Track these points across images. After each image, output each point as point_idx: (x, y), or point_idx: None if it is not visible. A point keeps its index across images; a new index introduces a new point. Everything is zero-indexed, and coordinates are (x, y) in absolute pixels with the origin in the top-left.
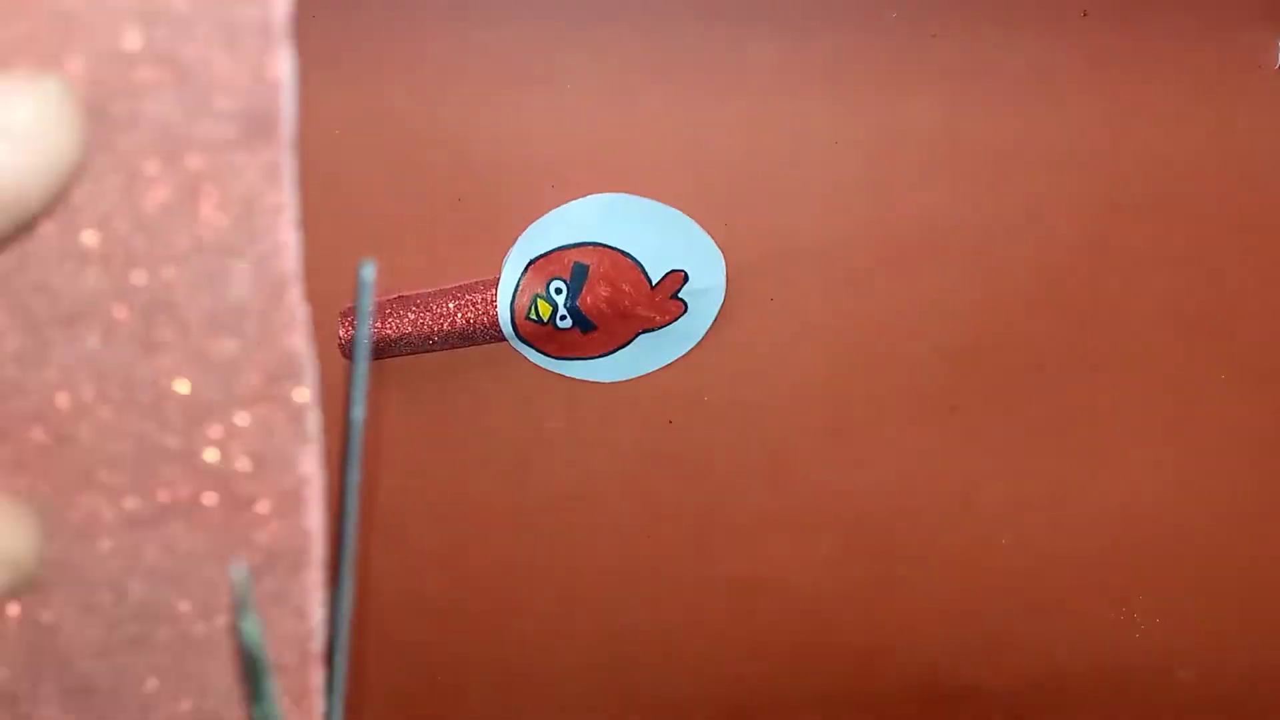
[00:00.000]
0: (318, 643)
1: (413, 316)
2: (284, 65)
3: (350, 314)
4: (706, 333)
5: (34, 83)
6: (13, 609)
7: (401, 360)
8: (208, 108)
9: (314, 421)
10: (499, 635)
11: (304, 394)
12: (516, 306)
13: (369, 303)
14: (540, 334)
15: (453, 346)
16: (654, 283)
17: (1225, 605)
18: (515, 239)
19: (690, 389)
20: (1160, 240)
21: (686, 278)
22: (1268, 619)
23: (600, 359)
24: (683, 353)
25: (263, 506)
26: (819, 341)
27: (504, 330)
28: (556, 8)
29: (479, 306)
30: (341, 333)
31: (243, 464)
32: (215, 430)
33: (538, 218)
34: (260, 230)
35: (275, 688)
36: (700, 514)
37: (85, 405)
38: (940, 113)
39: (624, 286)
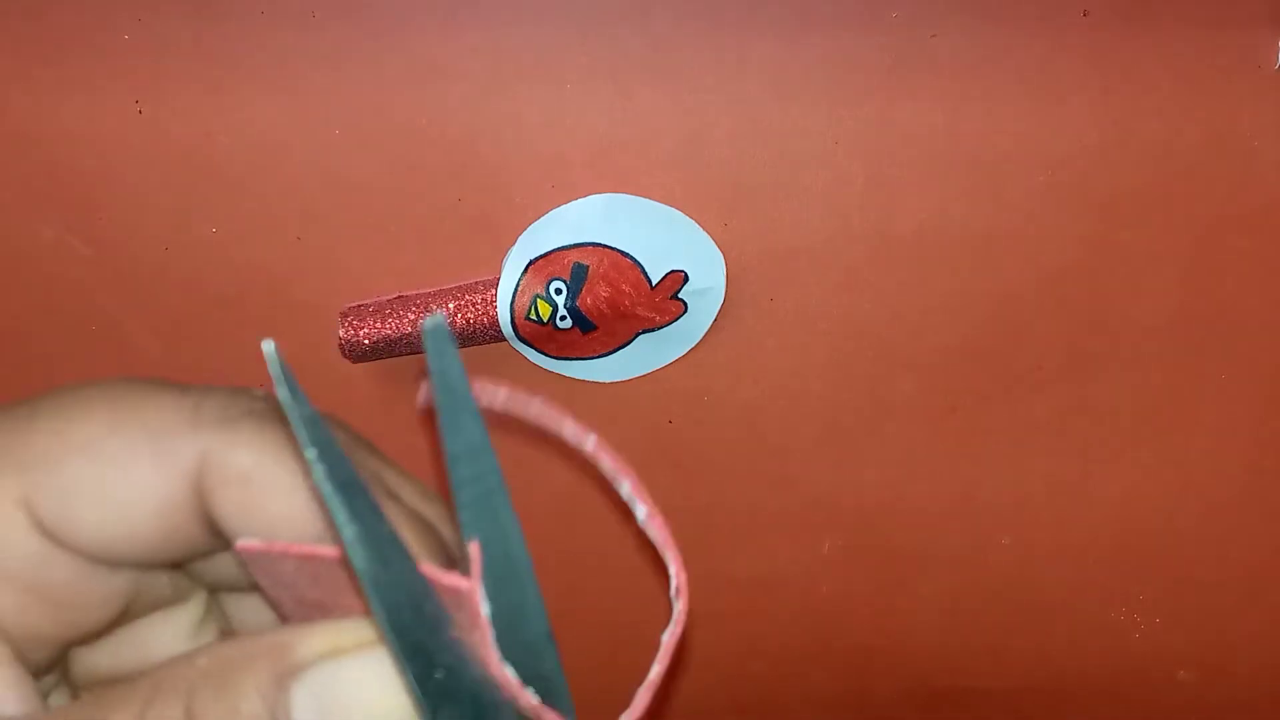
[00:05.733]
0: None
1: (412, 317)
2: None
3: (350, 314)
4: (706, 333)
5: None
6: None
7: (401, 360)
8: None
9: None
10: None
11: None
12: (516, 307)
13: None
14: (540, 334)
15: None
16: (654, 283)
17: (1226, 606)
18: (515, 239)
19: (690, 389)
20: (1160, 240)
21: (686, 278)
22: (1269, 620)
23: (600, 359)
24: (683, 353)
25: None
26: (819, 341)
27: (504, 330)
28: (556, 8)
29: (479, 306)
30: (341, 333)
31: None
32: None
33: (538, 218)
34: None
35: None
36: (700, 514)
37: None
38: (940, 113)
39: (624, 287)
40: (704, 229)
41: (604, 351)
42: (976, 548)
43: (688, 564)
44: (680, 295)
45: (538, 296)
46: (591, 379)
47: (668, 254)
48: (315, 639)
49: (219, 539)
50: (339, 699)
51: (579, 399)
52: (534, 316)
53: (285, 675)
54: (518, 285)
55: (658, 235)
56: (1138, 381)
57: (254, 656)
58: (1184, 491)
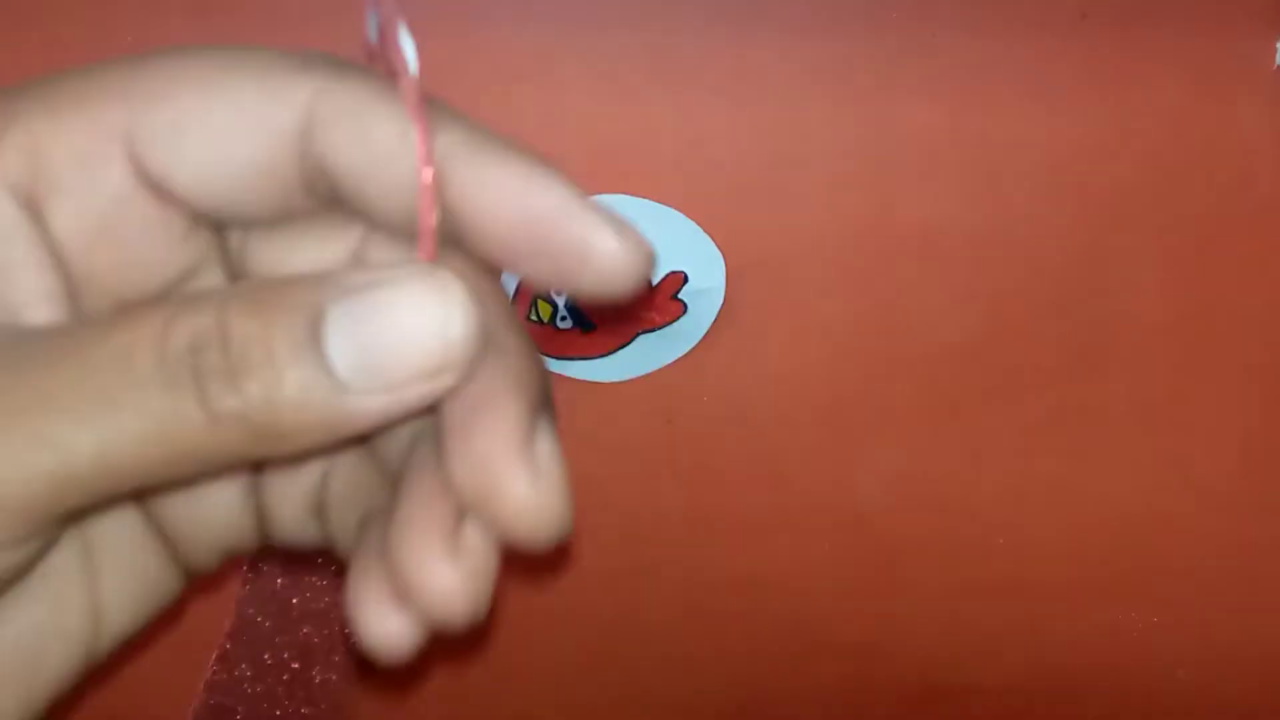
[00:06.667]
0: None
1: None
2: None
3: None
4: (706, 333)
5: None
6: None
7: None
8: None
9: None
10: (496, 634)
11: None
12: (516, 307)
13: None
14: (540, 334)
15: None
16: (654, 283)
17: (1226, 605)
18: None
19: (690, 389)
20: (1160, 240)
21: (686, 278)
22: (1269, 620)
23: (600, 359)
24: (683, 353)
25: None
26: (819, 341)
27: None
28: (556, 8)
29: None
30: None
31: None
32: None
33: None
34: None
35: None
36: (700, 514)
37: None
38: (940, 113)
39: None
40: (704, 229)
41: (604, 351)
42: (976, 548)
43: (687, 564)
44: (680, 295)
45: (538, 296)
46: (591, 379)
47: (668, 254)
48: (366, 271)
49: (308, 198)
50: (378, 321)
51: (579, 399)
52: (534, 317)
53: (327, 299)
54: (518, 285)
55: (658, 235)
56: (1137, 381)
57: (298, 280)
58: (1183, 491)
